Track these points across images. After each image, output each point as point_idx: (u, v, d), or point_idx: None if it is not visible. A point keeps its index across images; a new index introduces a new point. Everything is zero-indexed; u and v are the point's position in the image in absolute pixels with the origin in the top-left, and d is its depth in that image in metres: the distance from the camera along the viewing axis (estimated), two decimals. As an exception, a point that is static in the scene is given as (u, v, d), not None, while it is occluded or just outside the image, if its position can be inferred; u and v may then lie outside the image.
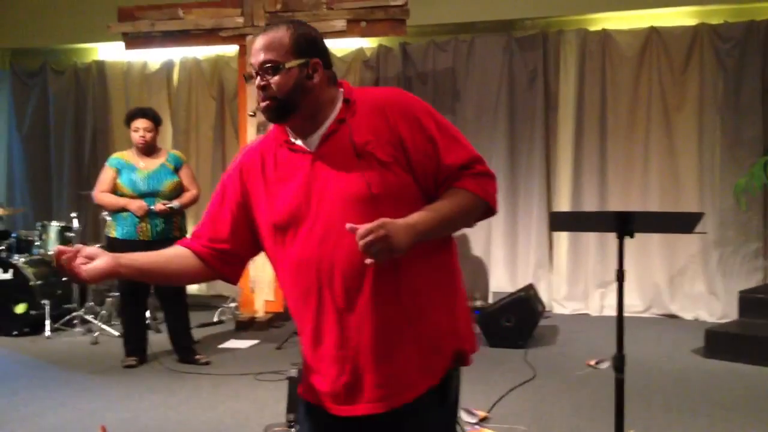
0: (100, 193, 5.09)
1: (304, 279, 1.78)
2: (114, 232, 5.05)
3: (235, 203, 1.90)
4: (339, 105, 1.82)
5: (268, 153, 1.87)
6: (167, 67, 8.14)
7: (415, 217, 1.68)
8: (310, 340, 1.83)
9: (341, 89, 1.86)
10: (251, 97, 6.42)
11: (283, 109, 1.78)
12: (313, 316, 1.79)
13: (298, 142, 1.83)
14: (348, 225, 1.62)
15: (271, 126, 1.92)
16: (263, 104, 1.79)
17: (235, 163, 1.95)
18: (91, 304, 6.38)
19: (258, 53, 1.78)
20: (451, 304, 1.86)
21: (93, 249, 1.79)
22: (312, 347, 1.83)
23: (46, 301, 6.12)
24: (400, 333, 1.76)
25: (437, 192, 1.79)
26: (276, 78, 1.76)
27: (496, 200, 1.85)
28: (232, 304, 7.01)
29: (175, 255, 1.94)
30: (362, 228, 1.59)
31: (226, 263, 1.93)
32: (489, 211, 1.86)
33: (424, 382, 1.78)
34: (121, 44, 6.70)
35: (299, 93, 1.77)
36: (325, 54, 1.85)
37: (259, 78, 1.78)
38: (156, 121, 5.19)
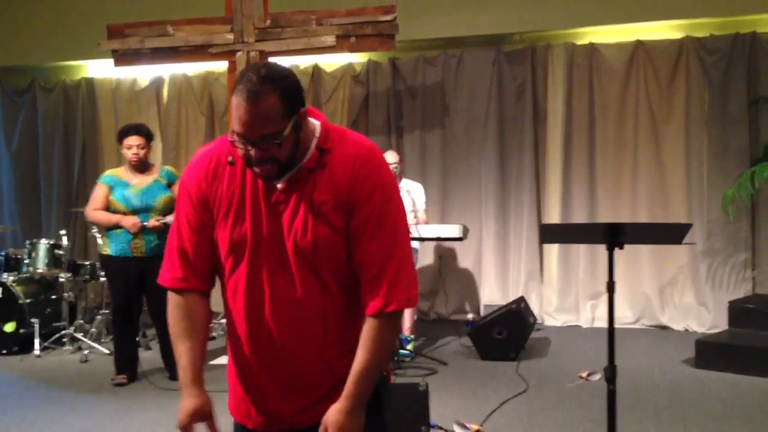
0: (93, 211, 5.07)
1: (244, 304, 1.86)
2: (107, 249, 5.04)
3: (202, 210, 1.87)
4: (312, 149, 1.80)
5: (236, 169, 1.84)
6: (157, 83, 8.14)
7: (352, 396, 1.77)
8: (240, 360, 1.96)
9: (317, 122, 1.83)
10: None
11: (283, 171, 1.78)
12: (245, 341, 1.90)
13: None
14: None
15: None
16: (267, 173, 1.75)
17: (200, 170, 1.87)
18: (81, 322, 6.34)
19: (252, 127, 1.69)
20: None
21: (198, 413, 1.91)
22: (241, 369, 1.97)
23: (35, 320, 6.08)
24: (320, 370, 1.87)
25: (353, 265, 1.82)
26: (276, 148, 1.72)
27: (414, 294, 1.83)
28: (223, 321, 6.98)
29: (196, 317, 1.92)
30: None
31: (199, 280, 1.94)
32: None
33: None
34: (110, 61, 6.70)
35: (295, 150, 1.77)
36: (303, 98, 1.79)
37: (255, 151, 1.71)
38: (149, 137, 5.19)
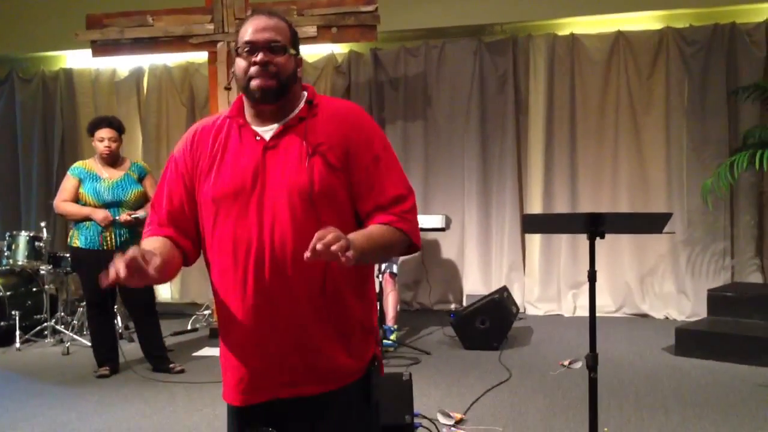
0: (62, 202, 5.01)
1: (231, 258, 1.80)
2: (77, 241, 4.98)
3: (187, 178, 1.90)
4: (301, 104, 1.88)
5: (220, 131, 1.89)
6: (137, 74, 8.08)
7: (356, 240, 1.66)
8: (223, 325, 1.86)
9: (304, 92, 1.92)
10: (222, 104, 6.40)
11: (280, 91, 1.82)
12: (230, 299, 1.82)
13: (256, 128, 1.86)
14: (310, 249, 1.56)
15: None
16: (267, 83, 1.79)
17: (186, 141, 1.94)
18: (62, 314, 6.30)
19: (263, 31, 1.81)
20: (367, 310, 1.92)
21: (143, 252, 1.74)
22: (227, 333, 1.86)
23: (15, 312, 6.04)
24: (320, 326, 1.80)
25: (364, 208, 1.84)
26: (281, 59, 1.81)
27: (419, 237, 1.90)
28: (206, 312, 6.96)
29: (165, 247, 1.87)
30: (331, 235, 1.55)
31: (186, 239, 1.92)
32: (412, 246, 1.90)
33: (334, 378, 1.83)
34: (90, 51, 6.64)
35: (292, 80, 1.85)
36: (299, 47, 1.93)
37: (262, 54, 1.79)
38: (120, 130, 5.13)
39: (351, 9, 6.16)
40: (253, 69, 1.80)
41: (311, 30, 6.20)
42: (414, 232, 1.87)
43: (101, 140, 5.03)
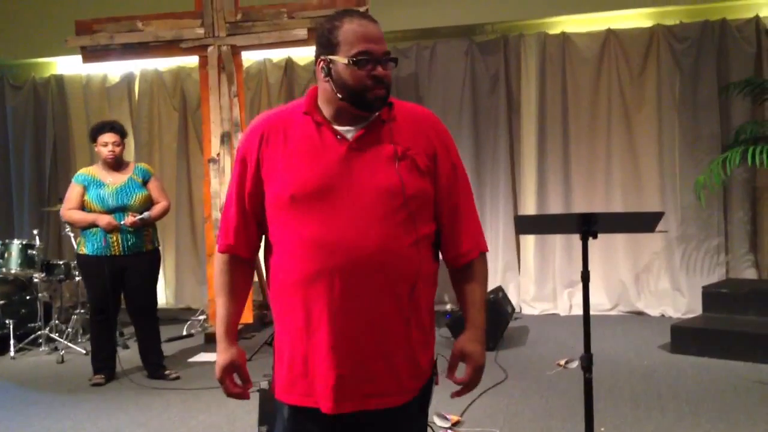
0: (68, 210, 4.99)
1: (317, 259, 1.75)
2: (84, 248, 4.96)
3: (257, 178, 1.87)
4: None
5: (292, 126, 1.85)
6: (128, 79, 8.05)
7: (476, 323, 1.95)
8: (302, 327, 1.80)
9: None
10: (214, 109, 6.38)
11: (387, 100, 1.84)
12: (314, 301, 1.77)
13: (338, 127, 1.83)
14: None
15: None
16: (383, 94, 1.80)
17: (253, 135, 1.89)
18: (56, 322, 6.27)
19: (379, 42, 1.81)
20: (432, 321, 1.95)
21: (231, 365, 1.94)
22: (305, 336, 1.80)
23: (9, 321, 6.01)
24: (398, 336, 1.80)
25: (443, 221, 1.91)
26: (389, 70, 1.82)
27: (486, 247, 2.03)
28: (201, 317, 6.94)
29: (239, 281, 1.96)
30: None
31: (251, 249, 1.97)
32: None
33: (413, 388, 1.84)
34: (80, 57, 6.61)
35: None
36: None
37: (382, 68, 1.80)
38: (123, 134, 5.13)
39: (341, 10, 6.15)
40: (370, 81, 1.78)
41: (302, 32, 6.18)
42: (485, 246, 2.02)
43: (105, 145, 5.01)
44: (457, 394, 1.95)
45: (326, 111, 1.84)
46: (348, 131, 1.81)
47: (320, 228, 1.75)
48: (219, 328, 1.92)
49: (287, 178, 1.79)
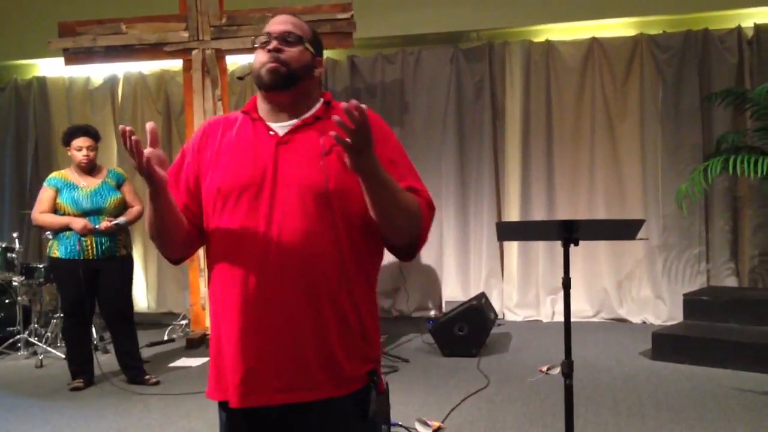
0: (40, 214, 4.94)
1: (235, 251, 1.77)
2: (57, 251, 4.92)
3: (192, 169, 1.90)
4: (319, 105, 1.90)
5: (230, 124, 1.91)
6: (111, 82, 8.01)
7: (381, 168, 1.69)
8: (221, 324, 1.80)
9: (322, 98, 1.94)
10: (198, 112, 6.36)
11: (288, 78, 1.82)
12: (228, 294, 1.78)
13: (270, 123, 1.86)
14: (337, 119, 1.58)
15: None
16: (271, 65, 1.81)
17: (197, 132, 1.96)
18: (36, 326, 6.21)
19: (280, 24, 1.86)
20: (371, 321, 1.87)
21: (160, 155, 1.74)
22: (219, 328, 1.81)
23: (-13, 325, 5.95)
24: (312, 333, 1.74)
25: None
26: (294, 49, 1.84)
27: (425, 234, 1.85)
28: (183, 322, 6.90)
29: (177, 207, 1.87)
30: (363, 114, 1.57)
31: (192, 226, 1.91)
32: (415, 239, 1.82)
33: (329, 386, 1.76)
34: (63, 60, 6.56)
35: (305, 72, 1.86)
36: (322, 51, 1.98)
37: (275, 42, 1.83)
38: (96, 138, 5.08)
39: (327, 16, 6.15)
40: (265, 57, 1.83)
41: (287, 37, 6.16)
42: (427, 221, 1.83)
43: (79, 149, 4.97)
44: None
45: (262, 109, 1.89)
46: (280, 127, 1.85)
47: (243, 221, 1.77)
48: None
49: (217, 172, 1.83)
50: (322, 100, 1.92)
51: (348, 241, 1.78)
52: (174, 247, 1.89)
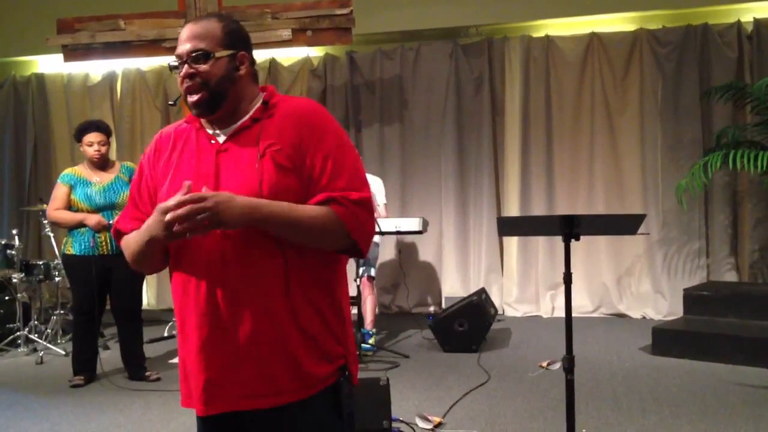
0: (55, 211, 4.95)
1: (185, 264, 1.77)
2: (71, 248, 4.91)
3: (151, 183, 1.90)
4: (257, 105, 1.84)
5: (180, 137, 1.88)
6: (110, 78, 7.99)
7: (262, 203, 1.67)
8: (182, 333, 1.81)
9: (262, 93, 1.87)
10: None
11: (213, 100, 1.77)
12: (185, 306, 1.78)
13: (211, 131, 1.83)
14: (186, 182, 1.65)
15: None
16: (193, 98, 1.77)
17: (151, 145, 1.94)
18: (36, 323, 6.20)
19: (185, 42, 1.77)
20: (335, 314, 1.83)
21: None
22: (182, 340, 1.82)
23: (-13, 322, 5.94)
24: (267, 337, 1.72)
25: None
26: (205, 66, 1.76)
27: (363, 233, 1.77)
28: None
29: None
30: (191, 195, 1.61)
31: None
32: (352, 242, 1.76)
33: (294, 389, 1.75)
34: (62, 56, 6.54)
35: (227, 83, 1.78)
36: (250, 50, 1.87)
37: (186, 67, 1.76)
38: (108, 133, 5.09)
39: (326, 12, 6.14)
40: (183, 86, 1.78)
41: (286, 33, 6.16)
42: (353, 224, 1.73)
43: (90, 145, 4.97)
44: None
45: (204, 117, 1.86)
46: (221, 134, 1.82)
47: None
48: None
49: (167, 185, 1.82)
50: (261, 97, 1.85)
51: (291, 248, 1.73)
52: (156, 267, 1.90)
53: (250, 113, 1.82)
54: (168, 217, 1.61)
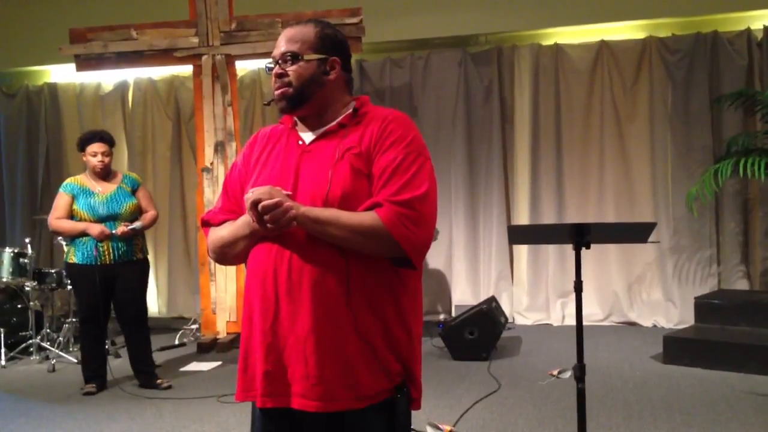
0: (56, 220, 4.97)
1: (258, 259, 1.83)
2: (73, 257, 4.94)
3: (241, 178, 1.98)
4: (347, 112, 1.91)
5: (274, 136, 1.97)
6: (121, 88, 8.05)
7: (310, 208, 1.75)
8: (249, 324, 1.86)
9: (355, 101, 1.94)
10: (208, 117, 6.40)
11: (297, 98, 1.86)
12: (254, 300, 1.83)
13: (301, 133, 1.91)
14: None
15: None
16: (278, 92, 1.87)
17: (248, 142, 2.05)
18: (48, 331, 6.24)
19: (280, 45, 1.89)
20: (401, 329, 1.83)
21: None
22: (249, 332, 1.86)
23: (0, 329, 5.97)
24: (323, 341, 1.74)
25: None
26: (294, 67, 1.86)
27: (412, 243, 1.74)
28: (194, 326, 6.92)
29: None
30: (279, 200, 1.71)
31: None
32: (400, 252, 1.75)
33: (357, 400, 1.76)
34: (74, 66, 6.60)
35: (314, 85, 1.86)
36: (346, 57, 1.93)
37: (277, 67, 1.88)
38: (111, 143, 5.12)
39: (336, 21, 6.16)
40: (274, 84, 1.89)
41: (296, 42, 6.18)
42: (396, 227, 1.71)
43: (94, 155, 4.99)
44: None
45: (298, 119, 1.96)
46: (310, 136, 1.89)
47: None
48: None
49: (253, 180, 1.90)
50: (353, 104, 1.92)
51: (354, 254, 1.75)
52: (241, 260, 1.96)
53: (339, 119, 1.89)
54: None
